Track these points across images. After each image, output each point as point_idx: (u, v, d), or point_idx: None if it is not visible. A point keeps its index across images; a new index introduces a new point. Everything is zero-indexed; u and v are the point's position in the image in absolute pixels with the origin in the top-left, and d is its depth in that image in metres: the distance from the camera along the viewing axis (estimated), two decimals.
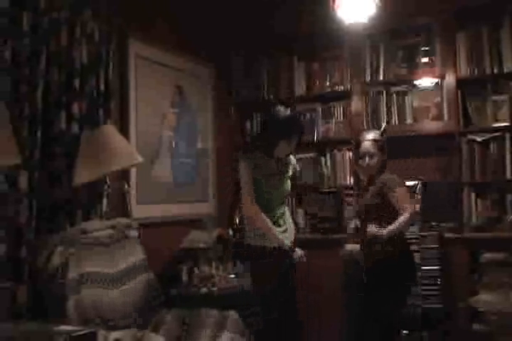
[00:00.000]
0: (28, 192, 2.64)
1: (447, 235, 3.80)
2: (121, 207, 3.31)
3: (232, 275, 3.59)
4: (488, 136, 3.83)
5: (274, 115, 3.11)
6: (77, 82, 2.97)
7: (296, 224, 3.56)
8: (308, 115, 4.43)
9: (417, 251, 3.64)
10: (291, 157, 3.28)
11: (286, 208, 3.25)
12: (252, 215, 3.03)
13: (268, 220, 3.02)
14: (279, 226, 3.08)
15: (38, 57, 2.72)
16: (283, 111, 3.11)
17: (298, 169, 3.53)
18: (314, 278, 3.82)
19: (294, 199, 4.29)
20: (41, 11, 2.75)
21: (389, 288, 2.95)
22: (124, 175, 3.36)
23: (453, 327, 3.67)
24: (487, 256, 3.64)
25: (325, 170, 4.34)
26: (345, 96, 4.28)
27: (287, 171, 3.20)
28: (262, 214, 3.01)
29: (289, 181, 3.22)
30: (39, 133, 2.72)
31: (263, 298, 3.00)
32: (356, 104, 4.20)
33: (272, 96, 4.52)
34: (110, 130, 2.99)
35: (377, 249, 3.01)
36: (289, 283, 3.09)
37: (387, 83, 4.16)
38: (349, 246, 3.59)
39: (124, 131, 3.34)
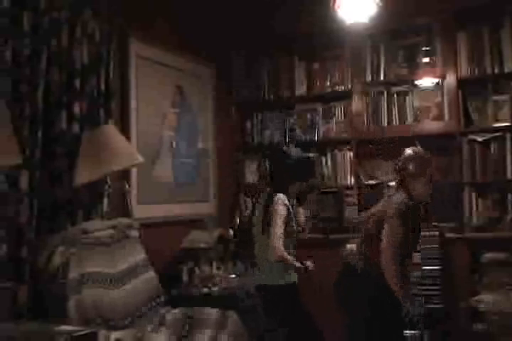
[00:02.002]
0: (29, 192, 2.64)
1: (448, 235, 3.81)
2: (122, 207, 3.31)
3: (233, 276, 3.59)
4: (488, 136, 3.83)
5: (289, 159, 3.24)
6: (77, 82, 2.97)
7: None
8: (308, 115, 4.44)
9: (418, 251, 3.64)
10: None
11: None
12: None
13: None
14: None
15: (38, 57, 2.72)
16: (297, 154, 3.28)
17: None
18: (314, 278, 3.82)
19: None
20: (41, 10, 2.74)
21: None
22: (124, 175, 3.36)
23: (453, 327, 3.67)
24: (488, 256, 3.64)
25: (325, 170, 4.35)
26: (345, 96, 4.28)
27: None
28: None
29: None
30: (40, 133, 2.72)
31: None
32: (357, 104, 4.20)
33: (272, 96, 4.52)
34: (111, 130, 2.99)
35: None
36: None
37: (388, 83, 4.17)
38: (349, 246, 3.59)
39: (124, 131, 3.34)
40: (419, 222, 2.93)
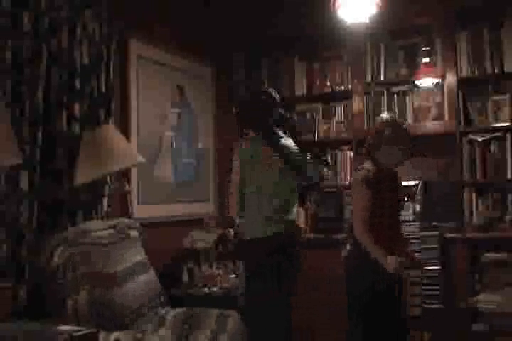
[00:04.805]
0: (29, 192, 2.64)
1: (448, 235, 3.80)
2: (122, 207, 3.31)
3: (233, 275, 3.59)
4: (488, 135, 3.84)
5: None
6: (78, 82, 2.97)
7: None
8: (308, 115, 4.44)
9: (418, 251, 3.64)
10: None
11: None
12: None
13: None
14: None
15: (38, 57, 2.72)
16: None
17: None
18: (314, 278, 3.82)
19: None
20: (41, 10, 2.74)
21: None
22: (124, 175, 3.36)
23: (453, 327, 3.66)
24: (488, 256, 3.64)
25: (325, 170, 4.34)
26: (345, 96, 4.28)
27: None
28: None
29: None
30: (40, 133, 2.72)
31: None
32: (357, 104, 4.20)
33: None
34: (111, 130, 2.99)
35: None
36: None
37: (388, 83, 4.17)
38: (349, 247, 3.58)
39: (124, 131, 3.34)
40: (387, 184, 2.81)
